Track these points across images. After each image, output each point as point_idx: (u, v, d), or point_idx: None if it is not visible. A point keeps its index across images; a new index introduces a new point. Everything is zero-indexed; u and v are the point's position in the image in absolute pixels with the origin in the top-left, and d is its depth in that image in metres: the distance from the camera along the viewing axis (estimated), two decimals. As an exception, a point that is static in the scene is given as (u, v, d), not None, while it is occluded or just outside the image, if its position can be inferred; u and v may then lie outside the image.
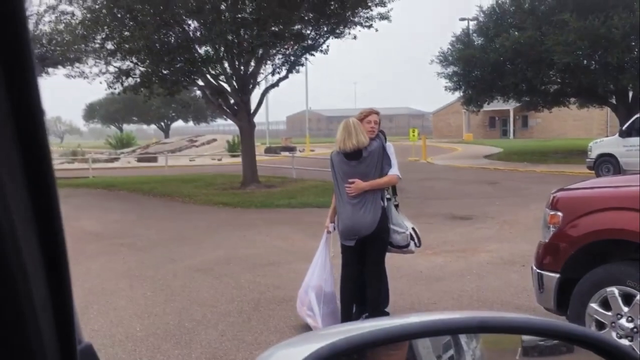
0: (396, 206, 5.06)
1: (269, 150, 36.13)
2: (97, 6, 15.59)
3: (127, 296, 6.22)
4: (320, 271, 5.00)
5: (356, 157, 4.79)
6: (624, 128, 16.79)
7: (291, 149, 35.45)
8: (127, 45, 15.09)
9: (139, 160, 33.26)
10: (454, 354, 0.96)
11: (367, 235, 4.71)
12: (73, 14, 17.07)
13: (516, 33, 22.85)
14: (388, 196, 4.97)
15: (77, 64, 21.19)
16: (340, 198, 4.88)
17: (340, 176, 4.86)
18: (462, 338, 0.96)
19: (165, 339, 4.88)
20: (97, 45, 16.56)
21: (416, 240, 4.96)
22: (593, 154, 17.22)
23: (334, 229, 5.09)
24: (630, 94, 24.27)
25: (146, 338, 4.92)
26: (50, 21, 20.54)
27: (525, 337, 0.96)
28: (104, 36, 15.95)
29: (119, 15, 15.24)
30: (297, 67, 17.67)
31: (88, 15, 15.84)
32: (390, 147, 4.92)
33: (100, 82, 17.52)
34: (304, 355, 0.79)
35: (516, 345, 0.97)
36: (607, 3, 20.57)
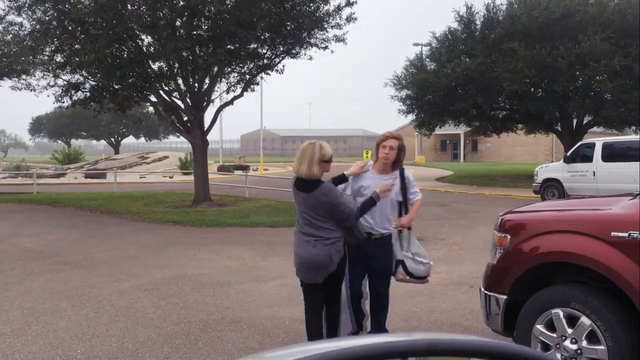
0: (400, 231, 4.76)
1: (222, 169, 35.78)
2: (47, 18, 15.19)
3: (69, 317, 5.97)
4: None
5: (305, 189, 4.31)
6: (568, 154, 17.37)
7: (245, 168, 35.23)
8: (77, 59, 14.73)
9: (87, 176, 32.36)
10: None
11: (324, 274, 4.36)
12: (21, 25, 16.59)
13: (467, 60, 23.47)
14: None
15: (23, 76, 20.54)
16: (296, 224, 4.50)
17: (295, 202, 4.49)
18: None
19: (107, 362, 4.69)
20: (45, 58, 16.11)
21: None
22: (539, 179, 17.74)
23: None
24: (575, 121, 25.20)
25: (87, 361, 4.72)
26: (-3, 32, 19.89)
27: (474, 360, 0.93)
28: (53, 48, 15.55)
29: (70, 28, 14.88)
30: (252, 86, 17.62)
31: (37, 27, 15.42)
32: (410, 176, 4.77)
33: (48, 95, 17.04)
34: None
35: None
36: (554, 34, 21.39)
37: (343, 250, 4.37)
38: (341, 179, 4.64)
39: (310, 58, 17.33)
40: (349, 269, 4.60)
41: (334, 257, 4.29)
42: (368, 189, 4.59)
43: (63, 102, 16.84)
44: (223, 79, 17.54)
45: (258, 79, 17.76)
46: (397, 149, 4.56)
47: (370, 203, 4.45)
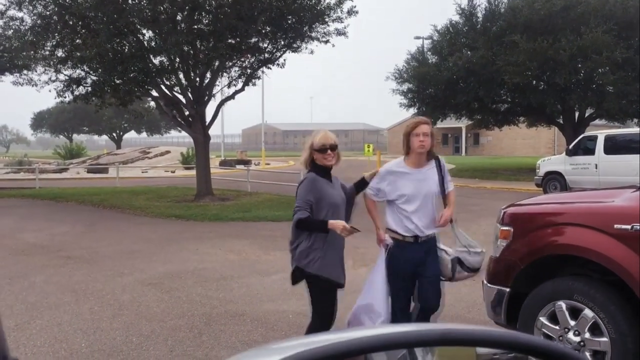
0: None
1: (224, 163, 35.80)
2: (48, 12, 15.17)
3: (73, 311, 6.00)
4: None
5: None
6: (570, 147, 17.33)
7: (246, 162, 35.24)
8: (78, 53, 14.73)
9: (89, 171, 32.41)
10: (409, 369, 0.93)
11: None
12: (22, 20, 16.57)
13: (469, 53, 23.42)
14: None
15: (25, 71, 20.55)
16: None
17: None
18: (418, 352, 0.94)
19: (111, 355, 4.71)
20: (46, 53, 16.11)
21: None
22: (541, 172, 17.72)
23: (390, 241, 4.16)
24: (577, 114, 25.15)
25: (91, 354, 4.74)
26: (-2, 27, 19.88)
27: (480, 351, 0.94)
28: (54, 43, 15.55)
29: (71, 23, 14.88)
30: (253, 80, 17.62)
31: (38, 22, 15.41)
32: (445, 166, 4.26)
33: (50, 90, 17.10)
34: None
35: (471, 359, 0.96)
36: (555, 26, 21.33)
37: (303, 258, 3.76)
38: (362, 183, 4.19)
39: (312, 52, 17.33)
40: (391, 280, 4.08)
41: (296, 249, 3.83)
42: (406, 188, 4.02)
43: (64, 97, 16.88)
44: (224, 74, 17.54)
45: (259, 73, 17.75)
46: (430, 136, 3.92)
47: (361, 184, 4.16)
